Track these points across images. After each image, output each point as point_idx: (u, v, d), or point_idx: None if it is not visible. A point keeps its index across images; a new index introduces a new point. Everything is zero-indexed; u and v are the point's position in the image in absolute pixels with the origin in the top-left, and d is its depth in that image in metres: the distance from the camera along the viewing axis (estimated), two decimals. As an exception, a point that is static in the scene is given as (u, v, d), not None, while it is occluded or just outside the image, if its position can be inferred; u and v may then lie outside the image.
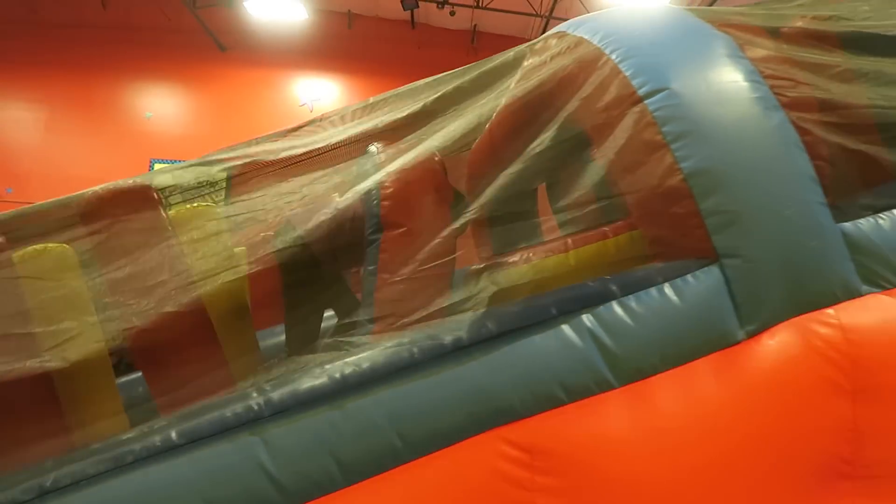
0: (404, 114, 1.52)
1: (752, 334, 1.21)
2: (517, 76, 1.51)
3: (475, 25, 11.20)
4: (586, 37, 1.49)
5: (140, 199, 1.63)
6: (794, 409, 1.16)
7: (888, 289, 1.25)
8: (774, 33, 1.60)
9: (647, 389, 1.18)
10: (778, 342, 1.20)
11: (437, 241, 1.27)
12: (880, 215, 1.29)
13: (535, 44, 1.60)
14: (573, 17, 1.67)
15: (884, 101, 1.38)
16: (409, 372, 1.17)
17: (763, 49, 1.41)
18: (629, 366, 1.18)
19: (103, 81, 11.64)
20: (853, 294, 1.23)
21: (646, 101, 1.30)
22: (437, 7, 10.20)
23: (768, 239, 1.22)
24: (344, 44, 11.74)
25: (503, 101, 1.44)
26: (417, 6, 10.04)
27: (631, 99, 1.32)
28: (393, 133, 1.48)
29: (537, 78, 1.46)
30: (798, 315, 1.22)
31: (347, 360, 1.20)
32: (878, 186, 1.37)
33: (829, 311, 1.22)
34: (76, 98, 11.48)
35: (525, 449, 1.13)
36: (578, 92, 1.39)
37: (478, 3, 10.11)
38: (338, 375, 1.17)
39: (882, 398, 1.17)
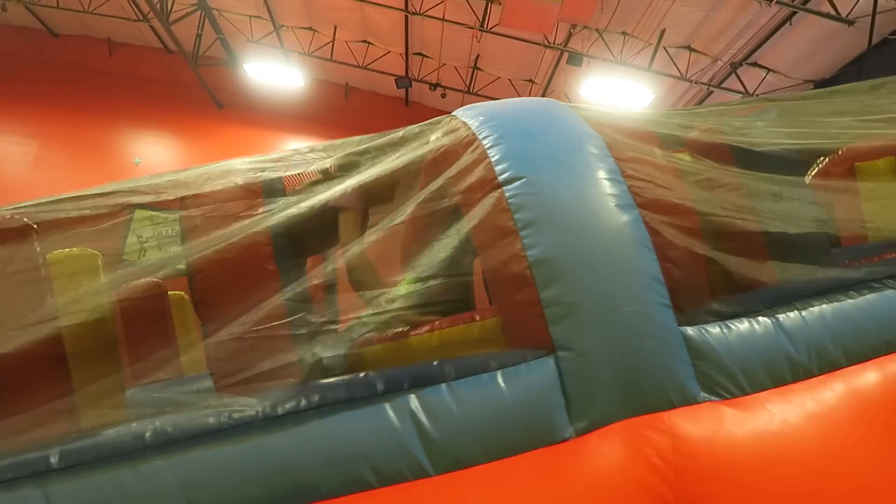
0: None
1: (582, 433, 1.17)
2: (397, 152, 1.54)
3: (466, 109, 11.55)
4: (468, 121, 1.52)
5: (15, 235, 1.61)
6: (610, 517, 1.10)
7: (727, 398, 1.22)
8: (671, 140, 1.65)
9: (464, 481, 1.12)
10: (606, 444, 1.16)
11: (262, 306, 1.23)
12: (727, 323, 1.28)
13: (424, 124, 1.64)
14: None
15: (742, 214, 1.40)
16: (216, 438, 1.12)
17: (631, 151, 1.44)
18: (448, 454, 1.13)
19: (97, 124, 11.84)
20: (689, 400, 1.20)
21: (504, 188, 1.32)
22: (430, 89, 10.58)
23: (603, 334, 1.20)
24: (340, 113, 12.08)
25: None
26: (410, 85, 10.42)
27: (492, 184, 1.34)
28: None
29: (415, 154, 1.48)
30: (631, 417, 1.18)
31: (158, 419, 1.15)
32: (731, 295, 1.37)
33: (664, 416, 1.18)
34: (68, 137, 11.64)
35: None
36: (448, 170, 1.41)
37: (468, 88, 10.51)
38: (143, 433, 1.12)
39: (701, 511, 1.12)
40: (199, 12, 10.16)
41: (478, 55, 10.01)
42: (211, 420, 1.12)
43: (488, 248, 1.32)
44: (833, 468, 1.19)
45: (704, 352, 1.23)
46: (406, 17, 9.28)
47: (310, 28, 10.57)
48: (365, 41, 10.50)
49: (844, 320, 1.29)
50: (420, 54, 10.48)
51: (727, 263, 1.33)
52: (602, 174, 1.35)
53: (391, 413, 1.14)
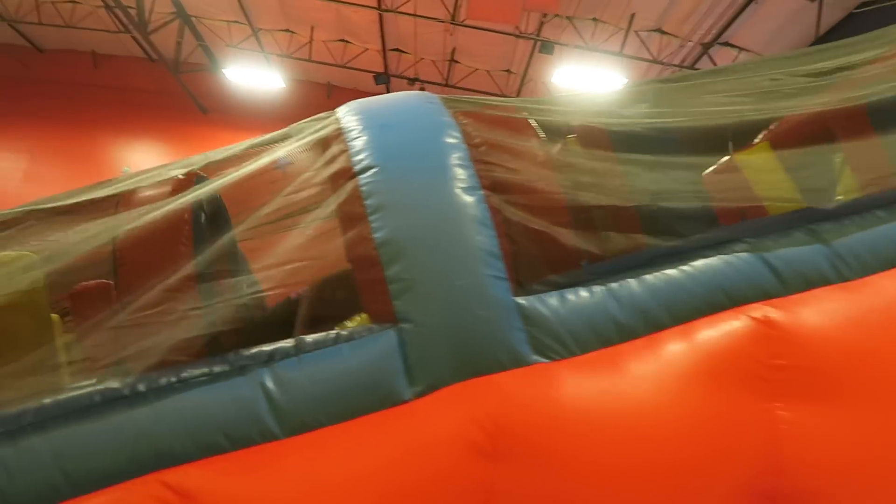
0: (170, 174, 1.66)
1: (420, 395, 1.29)
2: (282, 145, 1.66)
3: (448, 102, 11.65)
4: (341, 116, 1.64)
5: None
6: (436, 469, 1.23)
7: (557, 359, 1.34)
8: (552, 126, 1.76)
9: (309, 442, 1.25)
10: (439, 404, 1.28)
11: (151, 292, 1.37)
12: (563, 292, 1.40)
13: (309, 120, 1.76)
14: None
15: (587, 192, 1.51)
16: (86, 414, 1.25)
17: (485, 138, 1.55)
18: (294, 419, 1.26)
19: (86, 136, 12.03)
20: (521, 363, 1.32)
21: (359, 177, 1.44)
22: (409, 83, 10.69)
23: (439, 306, 1.32)
24: (322, 112, 12.18)
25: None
26: (389, 81, 10.54)
27: (349, 173, 1.46)
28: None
29: (289, 148, 1.61)
30: (465, 379, 1.30)
31: (40, 399, 1.28)
32: (573, 268, 1.48)
33: (494, 377, 1.30)
34: (57, 151, 11.83)
35: (180, 492, 1.20)
36: (317, 161, 1.53)
37: (446, 81, 10.62)
38: (22, 413, 1.25)
39: (520, 462, 1.24)
40: (178, 21, 10.31)
41: (454, 48, 10.12)
42: (82, 399, 1.25)
43: (347, 233, 1.44)
44: (653, 418, 1.31)
45: (536, 318, 1.35)
46: (380, 15, 9.39)
47: (287, 30, 10.70)
48: (342, 40, 10.63)
49: (671, 285, 1.41)
50: (397, 50, 10.60)
51: (563, 238, 1.44)
52: (451, 161, 1.46)
53: (244, 385, 1.27)
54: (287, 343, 1.34)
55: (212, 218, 1.64)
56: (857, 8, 7.05)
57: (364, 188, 1.42)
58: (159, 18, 9.81)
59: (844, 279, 1.47)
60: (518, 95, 10.26)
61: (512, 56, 9.92)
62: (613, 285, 1.40)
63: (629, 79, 9.09)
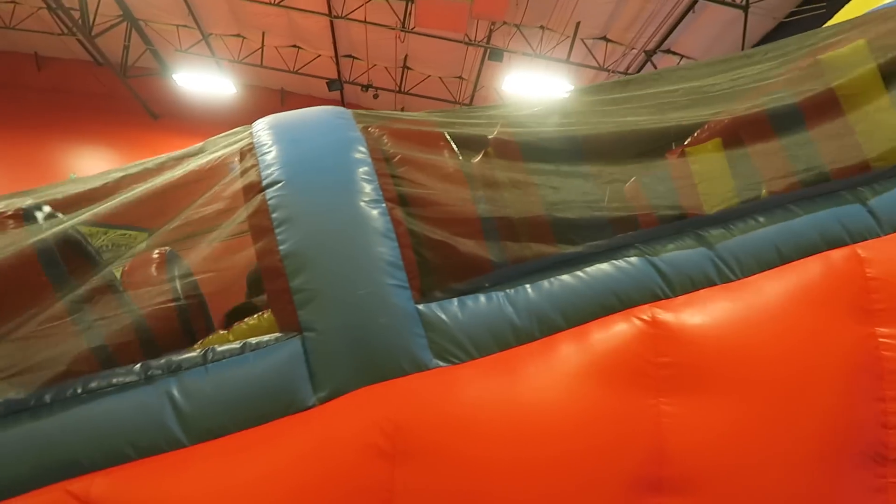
0: (88, 187, 1.68)
1: (323, 401, 1.35)
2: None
3: (402, 108, 11.73)
4: (254, 130, 1.69)
5: None
6: (337, 471, 1.29)
7: (456, 363, 1.42)
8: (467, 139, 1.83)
9: (214, 449, 1.30)
10: (342, 409, 1.34)
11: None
12: (463, 299, 1.47)
13: (226, 134, 1.80)
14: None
15: (488, 203, 1.60)
16: (-9, 426, 1.27)
17: (391, 152, 1.62)
18: (200, 427, 1.30)
19: (30, 141, 11.70)
20: (422, 367, 1.39)
21: (266, 191, 1.49)
22: (362, 90, 10.73)
23: (341, 314, 1.38)
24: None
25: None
26: (342, 88, 10.56)
27: (257, 187, 1.51)
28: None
29: (199, 162, 1.65)
30: (368, 384, 1.37)
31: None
32: (477, 276, 1.55)
33: (395, 382, 1.37)
34: (0, 155, 11.49)
35: (85, 500, 1.23)
36: (225, 176, 1.58)
37: (399, 88, 10.69)
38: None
39: (420, 461, 1.31)
40: (126, 23, 10.13)
41: (406, 55, 10.19)
42: (-11, 408, 1.27)
43: (256, 245, 1.49)
44: (546, 416, 1.39)
45: (436, 325, 1.42)
46: (331, 21, 9.40)
47: (238, 35, 10.62)
48: (295, 46, 10.60)
49: (565, 290, 1.50)
50: (350, 56, 10.62)
51: (465, 247, 1.52)
52: (356, 175, 1.52)
53: (150, 394, 1.31)
54: (195, 352, 1.38)
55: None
56: (785, 17, 7.38)
57: (271, 201, 1.47)
58: (105, 21, 9.63)
59: (727, 280, 1.58)
60: (471, 102, 10.39)
61: (463, 63, 10.05)
62: (510, 291, 1.48)
63: (577, 85, 9.30)
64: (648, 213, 1.67)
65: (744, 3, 6.99)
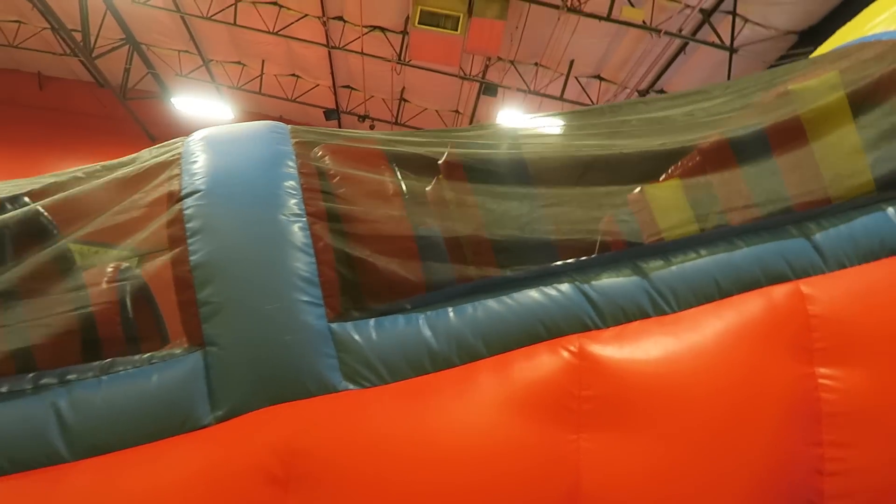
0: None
1: (220, 420, 1.28)
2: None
3: (398, 139, 11.80)
4: (187, 141, 1.65)
5: None
6: (223, 496, 1.21)
7: (367, 387, 1.35)
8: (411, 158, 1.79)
9: (103, 465, 1.22)
10: (238, 430, 1.27)
11: None
12: (381, 319, 1.41)
13: (162, 145, 1.76)
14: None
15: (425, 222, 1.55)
16: None
17: (321, 168, 1.58)
18: (85, 442, 1.23)
19: (30, 159, 11.74)
20: (329, 389, 1.32)
21: (184, 201, 1.44)
22: (359, 120, 10.81)
23: (245, 330, 1.32)
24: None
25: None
26: (338, 117, 10.64)
27: (176, 197, 1.46)
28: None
29: (126, 171, 1.61)
30: (269, 405, 1.30)
31: None
32: (401, 297, 1.49)
33: (299, 403, 1.30)
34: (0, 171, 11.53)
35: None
36: (146, 185, 1.53)
37: (396, 119, 10.76)
38: None
39: (315, 488, 1.23)
40: (128, 46, 10.27)
41: (403, 87, 10.29)
42: None
43: (170, 255, 1.44)
44: (456, 447, 1.32)
45: (350, 345, 1.36)
46: (329, 52, 9.52)
47: (239, 62, 10.75)
48: (294, 75, 10.71)
49: (489, 316, 1.43)
50: (348, 87, 10.73)
51: (391, 267, 1.47)
52: (280, 188, 1.48)
53: (35, 405, 1.24)
54: (93, 363, 1.32)
55: (22, 236, 1.59)
56: (776, 61, 7.45)
57: (187, 211, 1.42)
58: (108, 43, 9.76)
59: (662, 312, 1.52)
60: (466, 134, 10.44)
61: (458, 97, 10.14)
62: (431, 314, 1.42)
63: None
64: (586, 239, 1.62)
65: (731, 45, 7.05)
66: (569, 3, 7.16)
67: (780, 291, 1.59)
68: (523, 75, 8.90)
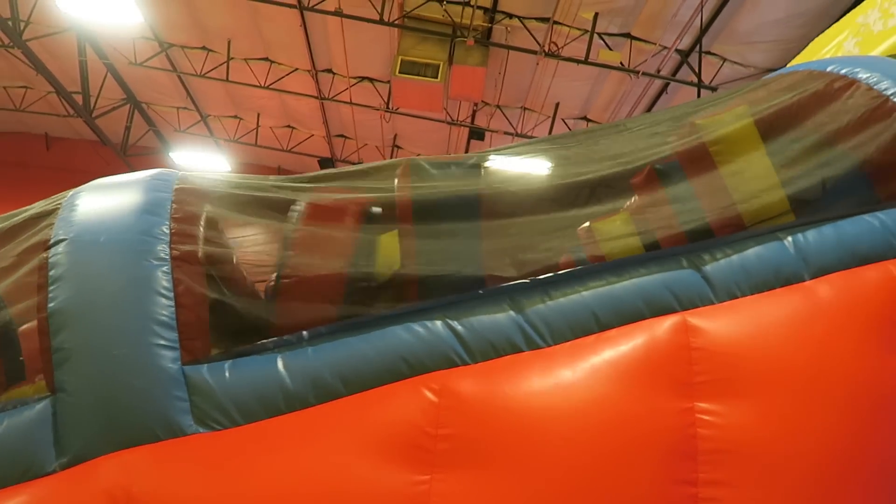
0: None
1: (65, 467, 1.27)
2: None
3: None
4: (73, 192, 1.69)
5: None
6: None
7: (218, 429, 1.33)
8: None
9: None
10: (79, 476, 1.26)
11: None
12: (237, 361, 1.40)
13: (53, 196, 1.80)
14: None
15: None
16: None
17: (197, 213, 1.60)
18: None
19: (35, 216, 12.06)
20: (176, 433, 1.31)
21: (50, 249, 1.47)
22: (353, 167, 10.98)
23: (92, 375, 1.32)
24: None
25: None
26: (334, 166, 10.82)
27: (44, 245, 1.49)
28: None
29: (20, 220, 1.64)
30: (115, 451, 1.28)
31: None
32: (266, 338, 1.48)
33: (143, 448, 1.29)
34: (5, 231, 11.82)
35: None
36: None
37: (389, 166, 10.93)
38: None
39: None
40: (129, 105, 10.62)
41: (395, 134, 10.48)
42: None
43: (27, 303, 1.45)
44: (311, 494, 1.29)
45: (202, 388, 1.35)
46: (321, 103, 9.76)
47: (235, 116, 11.04)
48: (289, 126, 10.97)
49: (349, 353, 1.42)
50: (342, 136, 10.95)
51: (253, 308, 1.47)
52: (147, 233, 1.49)
53: None
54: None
55: None
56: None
57: (51, 259, 1.44)
58: (109, 103, 10.10)
59: (535, 347, 1.49)
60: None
61: (448, 142, 10.29)
62: (289, 353, 1.41)
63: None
64: (462, 274, 1.61)
65: (699, 81, 7.12)
66: (546, 48, 7.31)
67: (663, 324, 1.55)
68: (510, 118, 9.03)
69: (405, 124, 9.80)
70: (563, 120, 8.99)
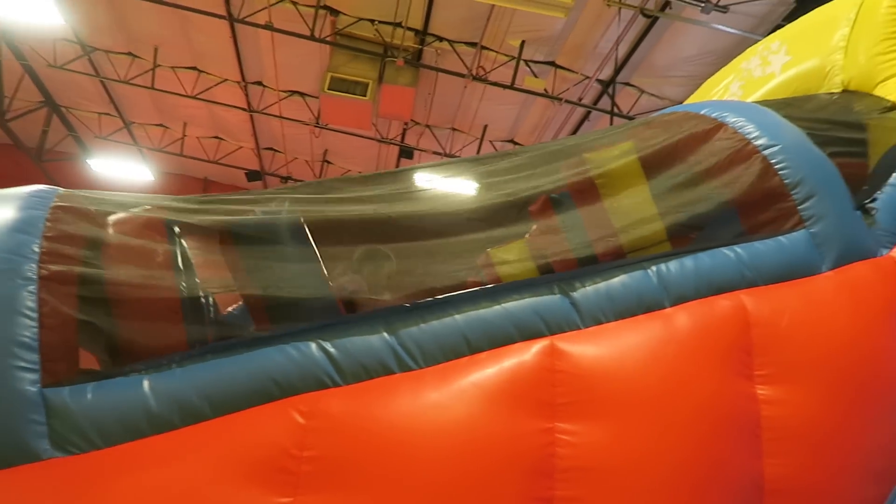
0: None
1: None
2: None
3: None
4: None
5: None
6: None
7: (75, 454, 1.32)
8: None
9: None
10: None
11: None
12: (102, 383, 1.39)
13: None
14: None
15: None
16: None
17: (72, 231, 1.58)
18: None
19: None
20: (31, 458, 1.28)
21: None
22: (282, 182, 10.86)
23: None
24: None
25: None
26: (261, 178, 10.68)
27: None
28: None
29: None
30: (-42, 476, 1.25)
31: None
32: (135, 360, 1.48)
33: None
34: None
35: None
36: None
37: (319, 182, 10.88)
38: None
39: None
40: (46, 109, 10.16)
41: (326, 149, 10.44)
42: None
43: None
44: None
45: (61, 411, 1.33)
46: (250, 115, 9.63)
47: (161, 125, 10.74)
48: (216, 137, 10.75)
49: (218, 374, 1.44)
50: (271, 149, 10.81)
51: (118, 329, 1.46)
52: (18, 253, 1.47)
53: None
54: None
55: None
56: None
57: None
58: (24, 107, 9.64)
59: (407, 369, 1.55)
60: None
61: (378, 159, 10.33)
62: (156, 374, 1.42)
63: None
64: (337, 297, 1.65)
65: (612, 110, 7.47)
66: (475, 72, 7.49)
67: (532, 347, 1.64)
68: (439, 139, 9.16)
69: (336, 140, 9.78)
70: (490, 142, 9.20)
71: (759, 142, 2.13)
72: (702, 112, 2.39)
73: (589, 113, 8.10)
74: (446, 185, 2.32)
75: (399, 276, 1.75)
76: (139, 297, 1.53)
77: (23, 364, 1.35)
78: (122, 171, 10.90)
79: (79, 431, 1.33)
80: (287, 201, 1.90)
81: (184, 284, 1.58)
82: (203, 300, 1.58)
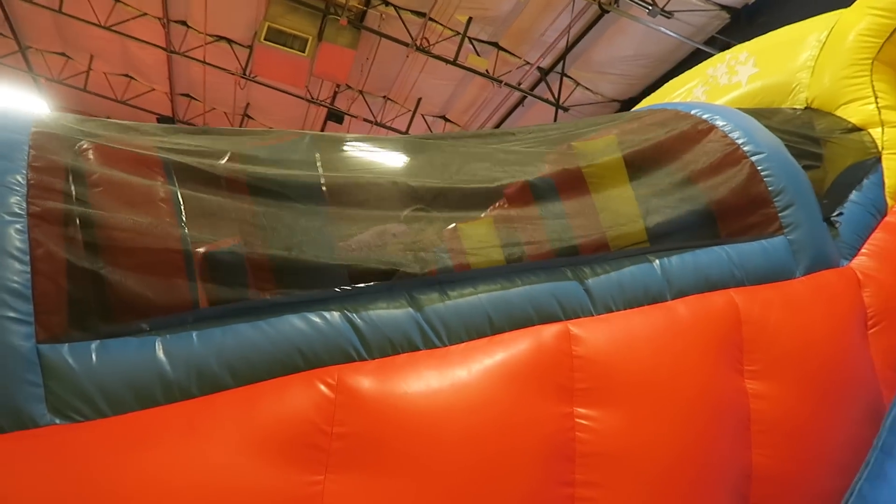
0: None
1: None
2: None
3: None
4: None
5: None
6: None
7: (80, 421, 1.15)
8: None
9: None
10: None
11: None
12: (107, 342, 1.23)
13: None
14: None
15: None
16: None
17: (63, 163, 1.37)
18: None
19: None
20: (26, 424, 1.11)
21: None
22: (197, 131, 10.20)
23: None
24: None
25: None
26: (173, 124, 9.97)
27: None
28: None
29: None
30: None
31: None
32: (141, 318, 1.31)
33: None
34: None
35: None
36: None
37: (238, 135, 10.32)
38: None
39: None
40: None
41: (248, 103, 9.89)
42: None
43: None
44: (187, 497, 1.15)
45: (61, 371, 1.16)
46: (168, 56, 8.91)
47: (63, 54, 9.71)
48: (126, 75, 9.88)
49: (240, 342, 1.30)
50: (188, 95, 10.09)
51: (122, 280, 1.29)
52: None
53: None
54: None
55: None
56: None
57: None
58: None
59: (432, 346, 1.48)
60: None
61: (304, 119, 9.93)
62: (170, 337, 1.26)
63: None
64: (364, 266, 1.55)
65: (557, 101, 7.62)
66: (419, 43, 7.33)
67: (549, 331, 1.62)
68: (371, 106, 8.93)
69: (261, 94, 9.26)
70: (423, 116, 9.08)
71: (747, 148, 2.22)
72: (692, 112, 2.45)
73: (524, 98, 8.17)
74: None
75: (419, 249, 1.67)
76: (144, 245, 1.35)
77: (13, 315, 1.16)
78: (9, 101, 9.77)
79: (82, 396, 1.16)
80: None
81: (194, 233, 1.41)
82: (220, 255, 1.42)
